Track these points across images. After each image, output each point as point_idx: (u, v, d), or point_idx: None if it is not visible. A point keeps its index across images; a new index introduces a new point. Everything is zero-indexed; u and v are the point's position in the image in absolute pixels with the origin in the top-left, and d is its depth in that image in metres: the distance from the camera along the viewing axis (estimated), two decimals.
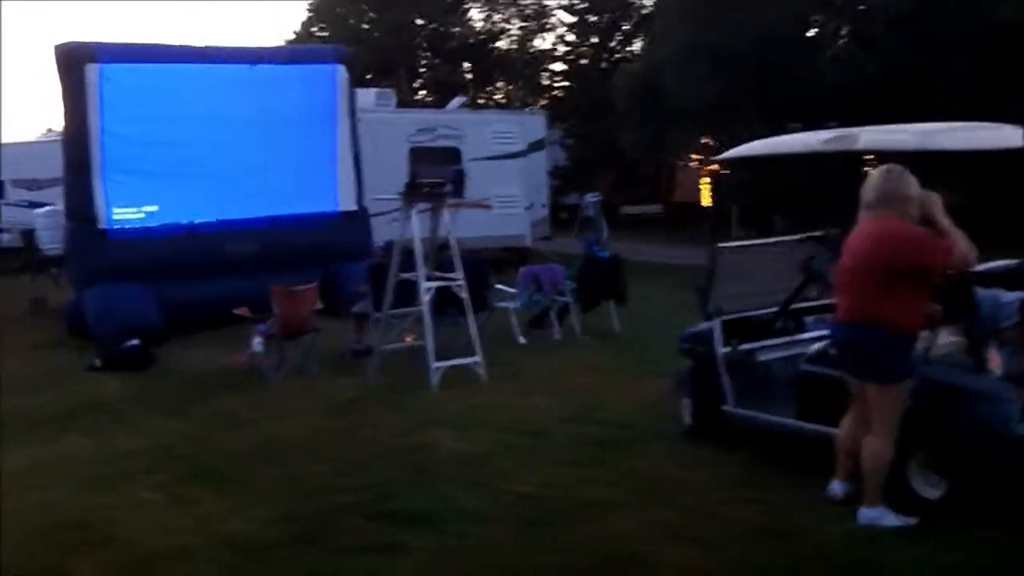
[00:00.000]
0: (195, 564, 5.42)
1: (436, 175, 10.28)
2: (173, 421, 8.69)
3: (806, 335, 7.46)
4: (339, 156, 14.80)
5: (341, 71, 14.82)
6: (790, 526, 5.60)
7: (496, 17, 42.58)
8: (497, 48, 42.81)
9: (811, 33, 28.03)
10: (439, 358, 9.58)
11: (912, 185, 5.49)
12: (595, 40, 39.21)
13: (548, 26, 41.34)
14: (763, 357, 7.40)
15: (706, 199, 36.25)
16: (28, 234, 18.75)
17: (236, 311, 10.82)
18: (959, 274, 5.65)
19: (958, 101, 18.89)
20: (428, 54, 42.60)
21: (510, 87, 43.09)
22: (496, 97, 42.94)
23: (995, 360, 5.90)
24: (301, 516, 6.02)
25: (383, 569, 5.26)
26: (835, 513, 5.71)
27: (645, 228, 30.09)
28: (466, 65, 42.74)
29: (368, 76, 32.95)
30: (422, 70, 42.68)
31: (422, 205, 10.01)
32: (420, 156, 17.95)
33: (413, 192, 9.85)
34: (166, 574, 5.36)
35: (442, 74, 41.06)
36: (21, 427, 8.57)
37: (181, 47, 14.24)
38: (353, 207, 14.88)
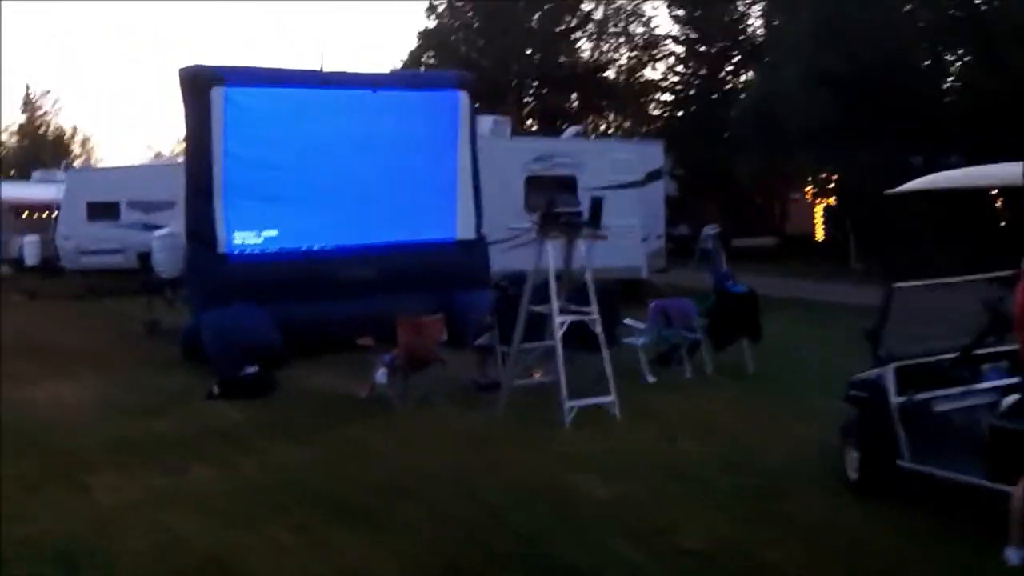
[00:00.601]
0: None
1: (570, 203, 9.86)
2: (301, 450, 8.38)
3: (985, 384, 6.86)
4: (459, 184, 14.52)
5: (463, 98, 14.57)
6: None
7: (604, 47, 42.42)
8: (605, 78, 42.56)
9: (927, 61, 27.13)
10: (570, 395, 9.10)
11: None
12: (704, 71, 38.65)
13: (658, 55, 40.95)
14: (941, 407, 6.77)
15: (820, 232, 35.53)
16: (144, 256, 18.87)
17: (360, 342, 10.51)
18: None
19: None
20: (535, 83, 42.55)
21: (617, 116, 42.78)
22: (603, 127, 42.69)
23: None
24: (460, 566, 5.59)
25: None
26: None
27: (756, 260, 29.23)
28: (573, 95, 42.59)
29: (476, 104, 32.90)
30: (527, 99, 42.60)
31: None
32: (536, 184, 17.59)
33: (550, 222, 9.41)
34: None
35: (550, 103, 40.91)
36: (144, 454, 8.32)
37: (305, 71, 14.14)
38: (472, 236, 14.56)
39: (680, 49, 39.69)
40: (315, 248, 13.45)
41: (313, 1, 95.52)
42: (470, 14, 42.29)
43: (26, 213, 31.81)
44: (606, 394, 9.34)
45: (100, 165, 55.22)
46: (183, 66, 13.36)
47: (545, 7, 41.10)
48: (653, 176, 20.29)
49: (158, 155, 56.08)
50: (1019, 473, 5.52)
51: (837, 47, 24.01)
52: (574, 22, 42.19)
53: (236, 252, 12.99)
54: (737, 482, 7.19)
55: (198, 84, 12.99)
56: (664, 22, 39.89)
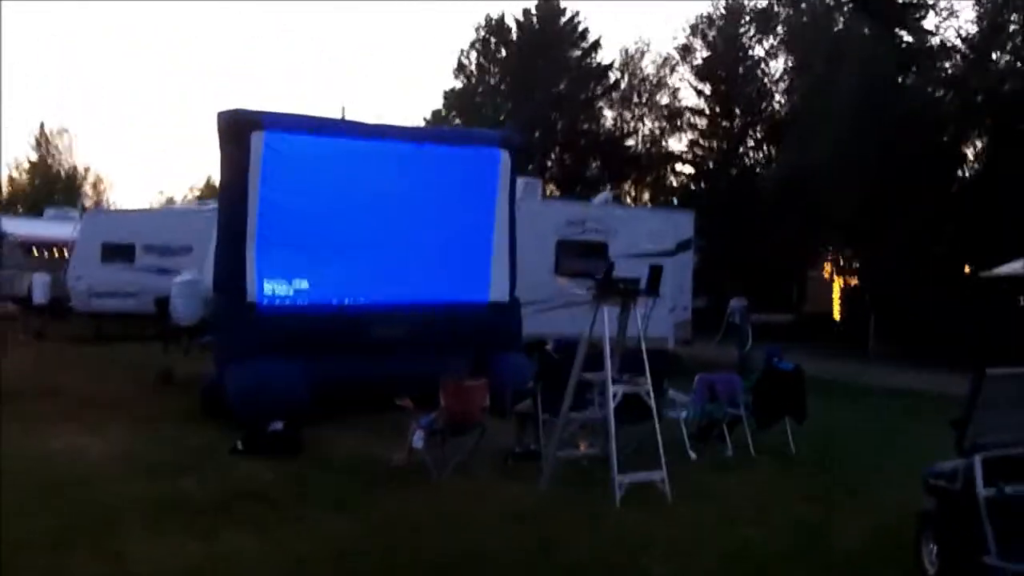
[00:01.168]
0: None
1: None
2: (341, 519, 7.91)
3: None
4: (495, 244, 14.14)
5: (504, 156, 14.20)
6: None
7: (628, 116, 42.49)
8: (628, 146, 42.61)
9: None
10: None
11: None
12: (725, 145, 38.69)
13: (680, 127, 41.04)
14: None
15: (836, 311, 35.19)
16: (162, 302, 18.41)
17: (400, 403, 10.06)
18: None
19: None
20: (557, 148, 42.54)
21: (636, 185, 42.80)
22: (622, 194, 42.67)
23: None
24: None
25: None
26: None
27: (774, 338, 28.82)
28: (595, 163, 42.67)
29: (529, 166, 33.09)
30: (548, 163, 42.58)
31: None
32: (567, 249, 17.27)
33: (607, 288, 9.05)
34: None
35: (570, 169, 40.86)
36: (175, 516, 7.85)
37: (346, 121, 13.87)
38: (505, 298, 14.17)
39: (703, 122, 39.78)
40: (346, 302, 13.04)
41: (337, 54, 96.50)
42: (497, 76, 42.42)
43: (35, 250, 31.41)
44: (651, 468, 8.87)
45: (112, 207, 55.17)
46: (221, 110, 13.08)
47: (573, 74, 41.25)
48: (683, 246, 19.96)
49: (170, 201, 56.01)
50: None
51: (868, 133, 23.91)
52: (599, 90, 42.43)
53: (266, 302, 12.55)
54: (806, 573, 6.74)
55: (237, 128, 12.64)
56: (688, 93, 39.56)
